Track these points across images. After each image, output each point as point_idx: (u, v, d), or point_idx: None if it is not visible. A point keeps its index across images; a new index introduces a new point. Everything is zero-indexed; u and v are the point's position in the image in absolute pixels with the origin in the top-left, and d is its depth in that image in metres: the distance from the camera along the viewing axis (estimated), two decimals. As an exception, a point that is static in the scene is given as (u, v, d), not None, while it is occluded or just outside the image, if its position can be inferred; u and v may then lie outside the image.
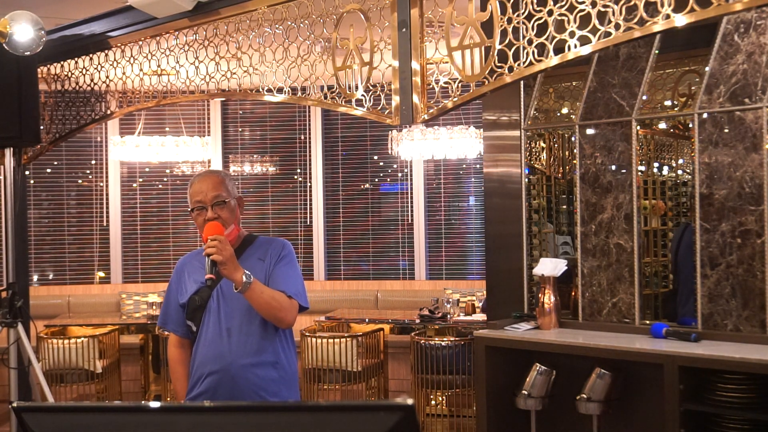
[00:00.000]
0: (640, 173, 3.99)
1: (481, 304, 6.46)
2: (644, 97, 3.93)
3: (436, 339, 5.75)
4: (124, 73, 4.81)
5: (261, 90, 4.10)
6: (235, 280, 2.77)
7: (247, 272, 2.78)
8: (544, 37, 3.09)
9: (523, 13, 3.14)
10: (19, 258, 5.10)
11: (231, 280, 2.78)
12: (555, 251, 4.46)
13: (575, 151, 4.12)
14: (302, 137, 8.48)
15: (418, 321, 6.46)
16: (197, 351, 2.97)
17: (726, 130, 3.62)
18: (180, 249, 8.44)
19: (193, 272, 3.02)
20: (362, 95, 3.65)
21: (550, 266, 4.10)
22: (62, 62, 5.17)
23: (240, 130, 8.61)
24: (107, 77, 4.96)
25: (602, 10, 2.93)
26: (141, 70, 4.72)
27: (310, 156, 8.44)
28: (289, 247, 3.02)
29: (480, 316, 6.26)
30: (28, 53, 3.98)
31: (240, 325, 2.91)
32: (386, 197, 8.43)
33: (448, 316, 6.46)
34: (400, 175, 8.35)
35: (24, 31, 3.88)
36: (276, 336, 2.94)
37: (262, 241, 3.04)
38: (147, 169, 8.43)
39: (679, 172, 4.52)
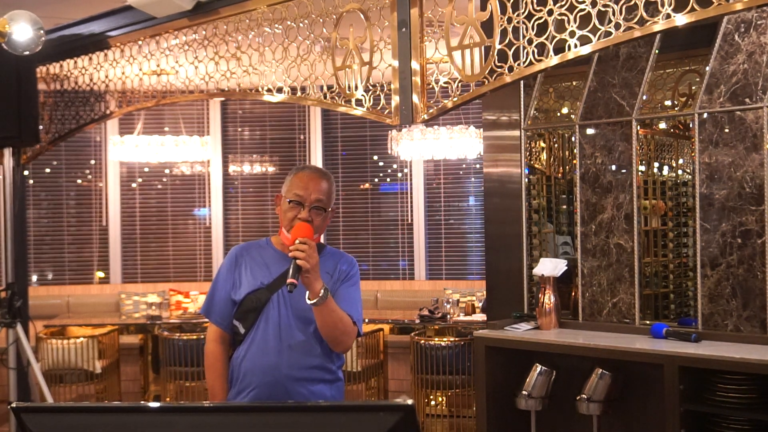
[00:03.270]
0: (640, 173, 3.99)
1: (481, 304, 6.46)
2: (644, 97, 3.92)
3: (436, 339, 5.75)
4: (123, 73, 4.81)
5: (261, 90, 4.10)
6: (314, 290, 2.58)
7: (326, 286, 2.61)
8: (544, 36, 3.08)
9: (523, 13, 3.14)
10: (19, 258, 5.10)
11: (309, 289, 2.58)
12: (555, 251, 4.46)
13: (575, 151, 4.11)
14: (302, 137, 8.48)
15: (418, 321, 6.46)
16: (245, 357, 2.74)
17: (726, 130, 3.62)
18: (180, 249, 8.44)
19: (253, 266, 2.79)
20: (362, 95, 3.64)
21: (550, 266, 4.09)
22: (61, 62, 5.17)
23: (239, 129, 8.61)
24: (106, 77, 4.96)
25: (602, 9, 2.92)
26: (140, 69, 4.72)
27: (309, 156, 8.43)
28: (357, 266, 2.87)
29: (480, 316, 6.25)
30: (27, 53, 3.97)
31: (300, 338, 2.71)
32: (386, 197, 8.43)
33: (448, 316, 6.45)
34: (400, 175, 8.35)
35: (23, 31, 3.88)
36: (332, 352, 2.78)
37: (330, 253, 2.85)
38: (146, 169, 8.43)
39: (680, 172, 4.52)
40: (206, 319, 2.92)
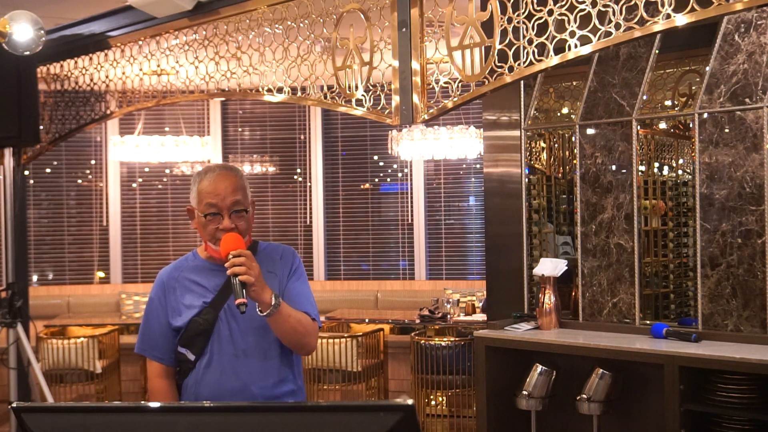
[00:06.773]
0: (640, 173, 3.99)
1: (481, 304, 6.46)
2: (644, 97, 3.92)
3: (436, 339, 5.75)
4: (123, 73, 4.81)
5: (261, 90, 4.10)
6: (263, 302, 2.35)
7: (275, 292, 2.38)
8: (545, 36, 3.08)
9: (523, 13, 3.14)
10: (19, 258, 5.10)
11: (259, 301, 2.35)
12: (555, 251, 4.46)
13: (575, 151, 4.11)
14: (302, 137, 8.48)
15: (418, 321, 6.46)
16: (201, 383, 2.50)
17: (726, 130, 3.62)
18: (180, 249, 8.44)
19: (188, 289, 2.54)
20: (362, 95, 3.65)
21: (550, 266, 4.09)
22: (62, 62, 5.17)
23: (240, 130, 8.61)
24: (107, 77, 4.96)
25: (602, 9, 2.93)
26: (141, 69, 4.72)
27: (309, 156, 8.44)
28: (299, 257, 2.62)
29: (480, 316, 6.25)
30: (28, 53, 3.98)
31: (260, 351, 2.49)
32: (386, 197, 8.43)
33: (448, 316, 6.46)
34: (400, 175, 8.36)
35: (23, 31, 3.88)
36: (293, 360, 2.58)
37: (267, 249, 2.60)
38: (147, 169, 8.43)
39: (680, 172, 4.52)
40: None
